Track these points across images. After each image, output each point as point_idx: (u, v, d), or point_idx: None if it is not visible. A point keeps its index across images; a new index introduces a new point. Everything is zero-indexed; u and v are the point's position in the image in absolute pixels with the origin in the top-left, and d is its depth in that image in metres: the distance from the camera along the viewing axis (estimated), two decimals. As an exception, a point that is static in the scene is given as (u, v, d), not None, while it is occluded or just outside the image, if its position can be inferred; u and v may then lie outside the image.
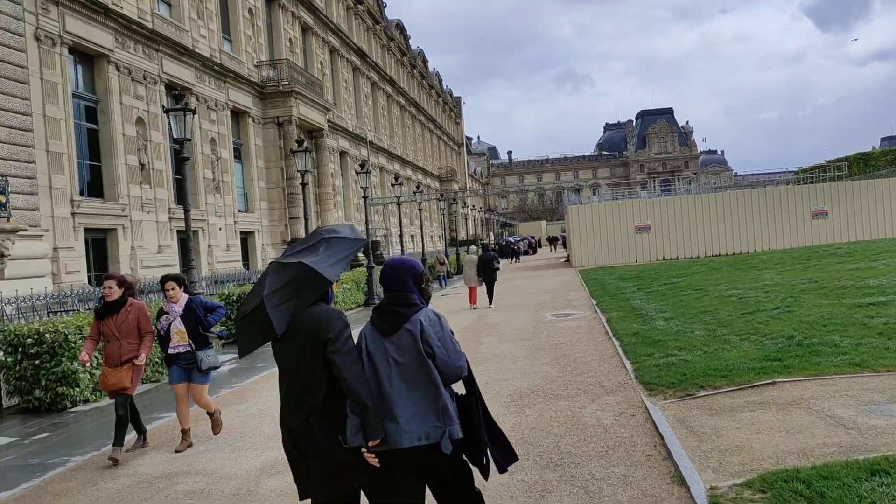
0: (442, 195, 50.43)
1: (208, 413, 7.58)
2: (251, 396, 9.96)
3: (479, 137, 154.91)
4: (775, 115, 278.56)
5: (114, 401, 7.25)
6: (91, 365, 9.49)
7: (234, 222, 29.24)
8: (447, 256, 36.45)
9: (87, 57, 21.30)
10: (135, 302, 7.31)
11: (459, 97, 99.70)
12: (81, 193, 20.49)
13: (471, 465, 3.56)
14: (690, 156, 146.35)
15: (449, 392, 3.47)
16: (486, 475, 3.56)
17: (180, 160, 26.13)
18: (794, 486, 4.52)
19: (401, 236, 30.68)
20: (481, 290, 21.46)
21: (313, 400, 3.44)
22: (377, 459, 3.35)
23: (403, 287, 3.53)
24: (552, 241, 72.77)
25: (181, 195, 26.16)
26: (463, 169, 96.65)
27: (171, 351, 7.26)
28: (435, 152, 78.11)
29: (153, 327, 7.44)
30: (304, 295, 3.50)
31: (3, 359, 9.73)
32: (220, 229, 27.98)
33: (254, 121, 31.80)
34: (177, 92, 12.42)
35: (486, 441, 3.53)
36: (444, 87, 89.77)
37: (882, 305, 11.54)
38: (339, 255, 3.67)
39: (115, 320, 7.11)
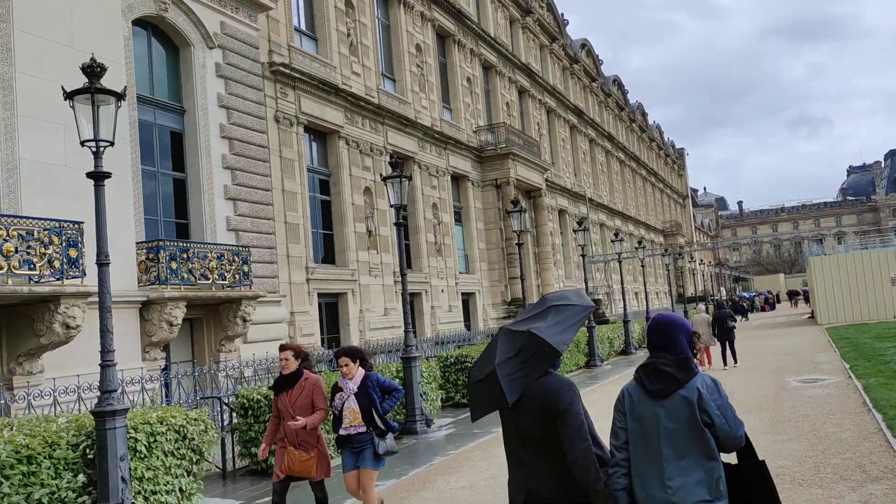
0: (666, 250, 48.42)
1: None
2: (465, 466, 9.65)
3: (705, 189, 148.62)
4: None
5: (280, 480, 6.65)
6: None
7: (456, 283, 29.80)
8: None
9: (319, 133, 22.95)
10: (310, 375, 6.80)
11: (682, 148, 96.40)
12: (315, 260, 21.82)
13: None
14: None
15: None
16: None
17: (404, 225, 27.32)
18: None
19: (623, 294, 29.60)
20: (714, 350, 20.44)
21: (547, 468, 3.40)
22: None
23: (677, 347, 3.39)
24: (792, 295, 67.14)
25: (406, 259, 27.29)
26: (689, 222, 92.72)
27: (342, 432, 6.60)
28: (658, 206, 75.69)
29: (328, 405, 6.80)
30: (535, 365, 3.47)
31: (236, 421, 10.25)
32: (442, 291, 28.61)
33: (473, 184, 32.55)
34: (393, 160, 12.83)
35: None
36: (666, 139, 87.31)
37: None
38: (568, 322, 3.61)
39: (290, 396, 6.63)
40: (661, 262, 57.63)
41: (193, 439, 7.75)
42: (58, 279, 11.51)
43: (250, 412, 9.98)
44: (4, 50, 12.39)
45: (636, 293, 53.49)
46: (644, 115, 75.40)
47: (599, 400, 12.66)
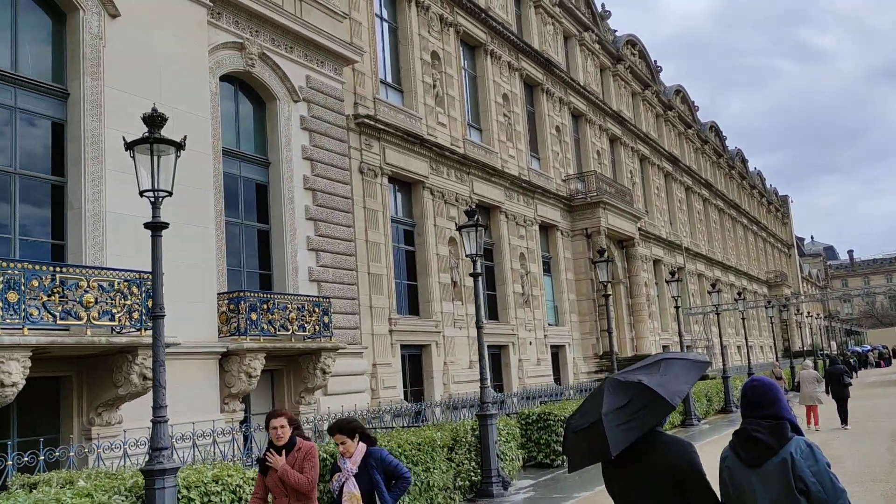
0: (770, 301, 46.11)
1: None
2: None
3: (812, 237, 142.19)
4: None
5: None
6: None
7: (545, 336, 29.01)
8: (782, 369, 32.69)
9: (403, 184, 22.94)
10: (304, 443, 5.87)
11: (786, 195, 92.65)
12: (398, 311, 21.60)
13: None
14: None
15: None
16: None
17: (489, 276, 26.87)
18: None
19: (722, 348, 28.13)
20: (823, 409, 19.24)
21: None
22: None
23: (773, 410, 3.30)
24: (911, 350, 62.65)
25: (492, 310, 26.79)
26: (795, 272, 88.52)
27: None
28: (760, 256, 72.62)
29: (317, 475, 5.88)
30: (646, 417, 3.37)
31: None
32: (530, 343, 27.88)
33: (562, 234, 31.89)
34: (469, 209, 12.48)
35: None
36: (768, 186, 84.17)
37: None
38: (681, 375, 3.53)
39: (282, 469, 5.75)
40: (765, 314, 54.92)
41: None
42: (137, 330, 11.58)
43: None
44: (95, 106, 12.82)
45: (738, 347, 51.01)
46: (744, 161, 72.99)
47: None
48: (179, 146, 6.93)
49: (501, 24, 28.77)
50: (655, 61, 48.93)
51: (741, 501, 3.21)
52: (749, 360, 32.79)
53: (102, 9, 13.18)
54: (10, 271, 9.66)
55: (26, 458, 8.48)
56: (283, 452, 5.75)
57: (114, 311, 11.19)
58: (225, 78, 16.42)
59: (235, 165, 16.57)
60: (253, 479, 7.63)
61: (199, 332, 13.93)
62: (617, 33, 43.72)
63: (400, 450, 9.59)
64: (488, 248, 26.99)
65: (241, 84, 17.15)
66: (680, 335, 25.01)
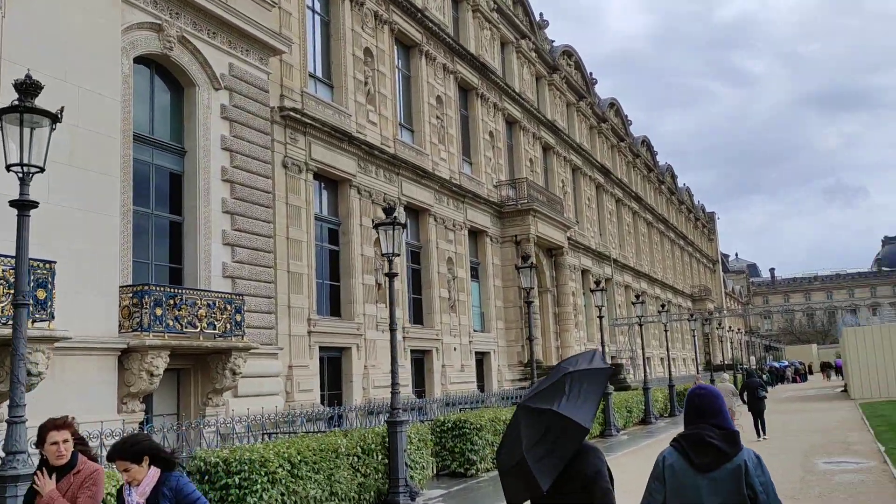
0: (692, 315, 46.94)
1: None
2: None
3: (736, 255, 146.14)
4: None
5: None
6: None
7: (470, 342, 28.69)
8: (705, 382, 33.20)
9: (330, 181, 22.31)
10: (86, 465, 4.73)
11: (713, 212, 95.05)
12: (319, 312, 20.94)
13: None
14: None
15: None
16: None
17: (415, 279, 26.43)
18: None
19: (644, 359, 28.32)
20: (738, 423, 19.30)
21: None
22: None
23: (723, 419, 3.37)
24: (825, 367, 64.71)
25: (417, 314, 26.34)
26: (719, 287, 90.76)
27: None
28: (686, 270, 74.13)
29: None
30: (566, 446, 3.40)
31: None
32: (455, 349, 27.51)
33: (491, 240, 31.67)
34: (387, 206, 11.98)
35: None
36: (696, 202, 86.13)
37: None
38: (589, 392, 3.53)
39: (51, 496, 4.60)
40: (688, 327, 55.97)
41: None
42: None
43: (206, 478, 8.95)
44: (-10, 80, 11.86)
45: (661, 358, 51.76)
46: (673, 177, 74.47)
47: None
48: (55, 118, 6.27)
49: (438, 26, 28.43)
50: (591, 73, 49.40)
51: (682, 501, 3.27)
52: (670, 372, 33.03)
53: (2, -24, 12.26)
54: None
55: None
56: (56, 474, 4.62)
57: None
58: (141, 60, 15.55)
59: (148, 152, 15.71)
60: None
61: (96, 326, 13.07)
62: (554, 44, 43.91)
63: (300, 457, 9.04)
64: (416, 251, 26.57)
65: (159, 68, 16.29)
66: (603, 345, 25.01)
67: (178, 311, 14.17)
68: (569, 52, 45.63)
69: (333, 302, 22.16)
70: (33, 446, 4.94)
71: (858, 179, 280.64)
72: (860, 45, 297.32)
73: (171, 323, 13.96)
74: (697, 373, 40.78)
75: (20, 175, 6.13)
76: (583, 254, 42.56)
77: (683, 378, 47.25)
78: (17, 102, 6.10)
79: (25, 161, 6.08)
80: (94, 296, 13.00)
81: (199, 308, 14.63)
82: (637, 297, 31.46)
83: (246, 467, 8.67)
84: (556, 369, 3.70)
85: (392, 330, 11.50)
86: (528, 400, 3.62)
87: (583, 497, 3.38)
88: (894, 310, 62.20)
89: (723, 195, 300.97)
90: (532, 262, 18.31)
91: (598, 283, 25.15)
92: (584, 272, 42.68)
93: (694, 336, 42.66)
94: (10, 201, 6.27)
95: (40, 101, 12.22)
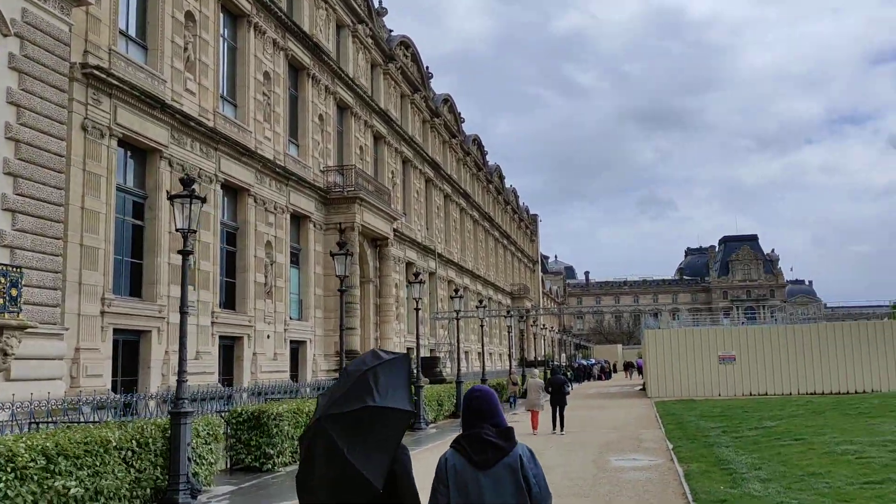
0: (509, 311, 48.30)
1: None
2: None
3: (556, 257, 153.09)
4: (868, 248, 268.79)
5: None
6: None
7: (285, 330, 27.68)
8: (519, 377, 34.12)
9: (138, 150, 20.61)
10: None
11: (536, 214, 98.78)
12: (116, 291, 19.27)
13: None
14: (776, 284, 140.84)
15: None
16: None
17: (230, 262, 25.13)
18: None
19: (458, 353, 28.61)
20: (544, 415, 20.33)
21: None
22: None
23: (498, 417, 3.49)
24: (628, 366, 69.03)
25: (229, 299, 25.02)
26: (537, 287, 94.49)
27: None
28: (508, 268, 76.45)
29: None
30: (392, 437, 3.32)
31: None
32: (269, 337, 26.43)
33: (315, 226, 30.79)
34: (186, 177, 10.95)
35: None
36: (521, 204, 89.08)
37: None
38: (397, 382, 3.42)
39: None
40: (506, 323, 57.63)
41: None
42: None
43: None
44: None
45: (479, 353, 52.94)
46: (501, 177, 76.50)
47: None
48: None
49: (270, -2, 27.13)
50: (427, 67, 49.47)
51: (467, 501, 3.34)
52: (484, 366, 33.65)
53: None
54: None
55: None
56: None
57: None
58: None
59: (-90, 98, 13.62)
60: None
61: None
62: (392, 33, 43.55)
63: (58, 450, 7.97)
64: (232, 233, 25.24)
65: (-68, 2, 14.20)
66: (417, 338, 24.92)
67: (-63, 281, 12.39)
68: (406, 44, 45.43)
69: (135, 281, 20.49)
70: None
71: (669, 193, 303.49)
72: (678, 69, 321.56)
73: (-74, 295, 12.16)
74: (513, 368, 42.02)
75: None
76: (408, 246, 42.54)
77: (498, 373, 48.58)
78: None
79: None
80: None
81: (-35, 279, 12.88)
82: (456, 291, 31.76)
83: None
84: (346, 374, 3.52)
85: (183, 312, 10.53)
86: (331, 408, 3.37)
87: (393, 498, 3.33)
88: (692, 315, 67.33)
89: (547, 199, 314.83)
90: (348, 249, 17.76)
91: (416, 274, 25.00)
92: (409, 265, 42.67)
93: (510, 332, 43.86)
94: None
95: None
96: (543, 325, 74.85)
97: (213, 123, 23.36)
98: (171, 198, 10.75)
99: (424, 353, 41.58)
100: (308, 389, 22.14)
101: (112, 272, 18.94)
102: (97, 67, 18.11)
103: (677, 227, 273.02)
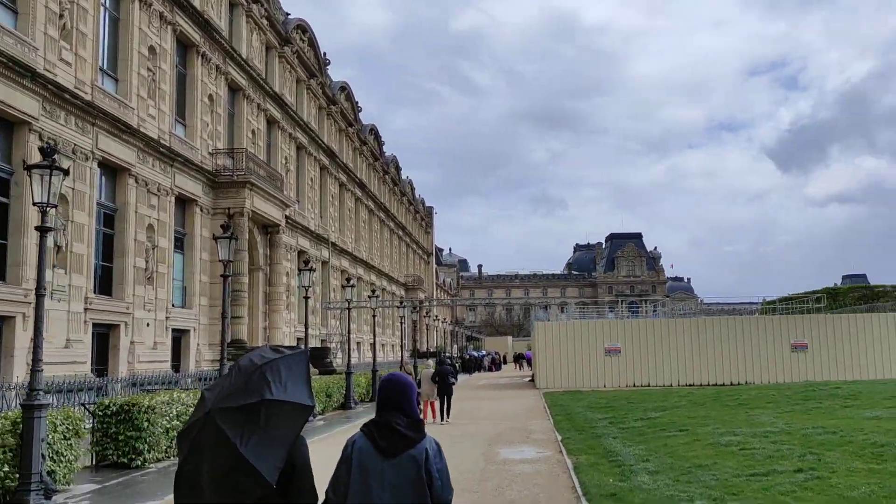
0: (401, 302, 48.01)
1: None
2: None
3: (450, 249, 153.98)
4: (741, 248, 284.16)
5: None
6: None
7: (167, 318, 26.35)
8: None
9: (4, 122, 19.01)
10: None
11: (431, 207, 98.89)
12: (-25, 274, 17.72)
13: None
14: (658, 281, 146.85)
15: None
16: None
17: (107, 245, 23.69)
18: None
19: (349, 343, 27.95)
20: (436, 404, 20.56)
21: None
22: None
23: (410, 407, 3.53)
24: (517, 358, 70.05)
25: (106, 284, 23.56)
26: (431, 279, 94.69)
27: None
28: (403, 260, 76.14)
29: None
30: (289, 430, 3.15)
31: None
32: (148, 325, 25.08)
33: (202, 210, 29.47)
34: (47, 146, 9.96)
35: None
36: (417, 196, 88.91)
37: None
38: (296, 375, 3.28)
39: None
40: (399, 314, 57.38)
41: None
42: None
43: None
44: None
45: (371, 344, 52.41)
46: (398, 168, 76.04)
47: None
48: None
49: (157, -32, 25.67)
50: (325, 53, 48.39)
51: (366, 485, 3.34)
52: (375, 356, 33.21)
53: None
54: None
55: None
56: None
57: None
58: None
59: None
60: None
61: None
62: (289, 16, 42.29)
63: None
64: (110, 214, 23.77)
65: None
66: (306, 328, 24.23)
67: None
68: (303, 28, 44.25)
69: (-1, 263, 18.94)
70: None
71: (560, 192, 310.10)
72: (570, 72, 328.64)
73: None
74: (405, 359, 41.75)
75: None
76: (301, 234, 41.52)
77: (390, 364, 48.21)
78: None
79: None
80: None
81: None
82: (348, 280, 31.15)
83: None
84: (238, 368, 3.31)
85: (39, 294, 9.55)
86: (223, 402, 3.15)
87: (290, 489, 3.21)
88: (580, 309, 69.01)
89: (444, 193, 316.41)
90: (233, 233, 16.90)
91: (307, 262, 24.29)
92: (301, 253, 41.65)
93: (402, 323, 43.55)
94: None
95: None
96: (436, 317, 75.10)
97: (91, 97, 21.88)
98: (28, 168, 9.73)
99: (315, 343, 40.73)
100: (190, 380, 21.12)
101: (-29, 253, 17.40)
102: (-43, 28, 16.53)
103: (567, 225, 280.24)
